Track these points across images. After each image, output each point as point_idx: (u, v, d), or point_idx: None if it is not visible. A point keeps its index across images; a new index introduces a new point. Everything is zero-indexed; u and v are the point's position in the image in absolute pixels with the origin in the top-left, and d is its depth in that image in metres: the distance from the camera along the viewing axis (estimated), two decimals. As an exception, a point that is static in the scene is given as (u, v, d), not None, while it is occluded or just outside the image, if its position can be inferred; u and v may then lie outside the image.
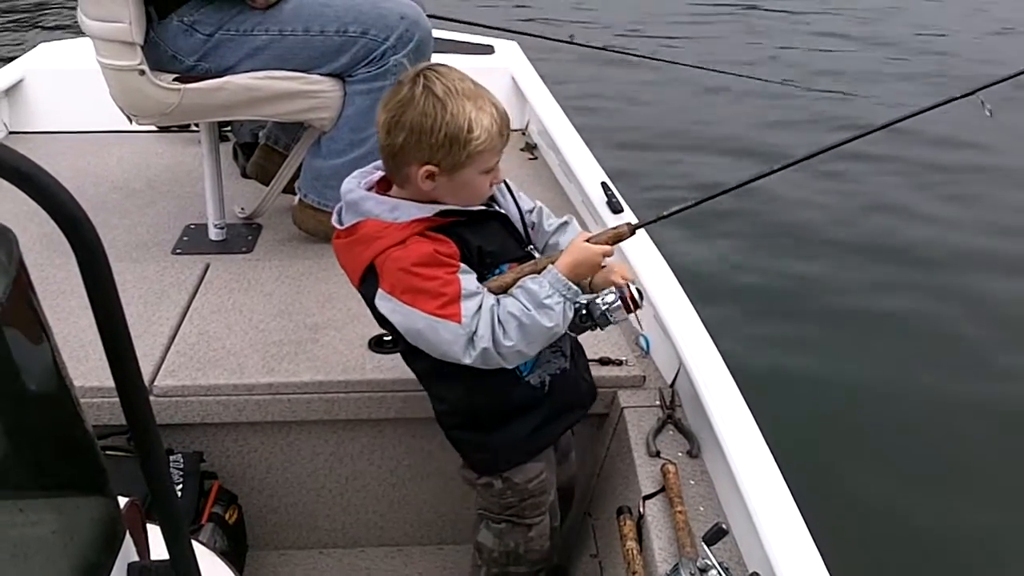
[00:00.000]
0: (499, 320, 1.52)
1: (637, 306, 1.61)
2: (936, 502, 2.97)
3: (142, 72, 2.30)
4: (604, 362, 2.08)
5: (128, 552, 1.01)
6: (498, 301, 1.55)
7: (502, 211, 1.70)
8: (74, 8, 2.36)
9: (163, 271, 2.47)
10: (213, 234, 2.67)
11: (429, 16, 2.52)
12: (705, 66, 5.13)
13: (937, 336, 3.93)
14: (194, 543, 0.99)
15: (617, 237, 1.67)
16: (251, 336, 2.18)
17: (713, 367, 1.95)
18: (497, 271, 1.63)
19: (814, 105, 6.73)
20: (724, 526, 1.50)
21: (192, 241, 2.68)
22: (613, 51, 5.07)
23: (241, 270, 2.50)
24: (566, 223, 1.80)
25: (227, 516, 2.00)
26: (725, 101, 6.98)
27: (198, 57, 2.36)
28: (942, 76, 7.47)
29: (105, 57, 2.32)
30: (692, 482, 1.81)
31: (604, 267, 1.65)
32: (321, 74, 2.43)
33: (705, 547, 1.51)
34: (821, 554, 1.50)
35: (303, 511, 2.23)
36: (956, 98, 1.93)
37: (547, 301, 1.54)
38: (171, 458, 1.97)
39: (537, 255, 1.72)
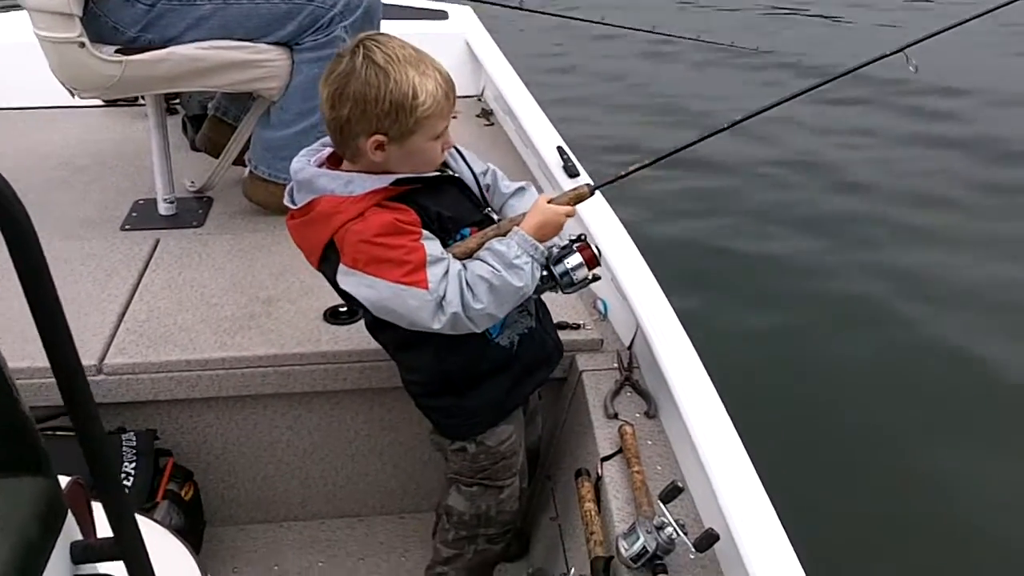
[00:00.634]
0: (467, 283, 1.52)
1: (597, 263, 1.62)
2: (890, 457, 3.01)
3: (82, 44, 2.24)
4: (562, 326, 2.07)
5: (72, 531, 0.99)
6: (464, 266, 1.54)
7: (456, 175, 1.69)
8: (8, -21, 2.30)
9: (112, 248, 2.42)
10: (163, 209, 2.62)
11: (379, -19, 2.48)
12: (656, 30, 5.12)
13: (887, 295, 3.98)
14: (148, 521, 0.97)
15: (578, 197, 1.67)
16: (203, 311, 2.14)
17: (670, 328, 1.96)
18: (459, 236, 1.62)
19: (768, 67, 6.76)
20: (680, 484, 1.52)
21: (141, 217, 2.63)
22: (562, 17, 5.03)
23: (192, 245, 2.46)
24: (523, 188, 1.79)
25: (183, 493, 1.98)
26: (683, 67, 6.97)
27: (140, 28, 2.30)
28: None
29: (42, 30, 2.25)
30: (650, 442, 1.82)
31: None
32: (268, 43, 2.39)
33: (662, 505, 1.52)
34: (776, 510, 1.51)
35: (261, 485, 2.21)
36: (887, 55, 1.95)
37: (516, 261, 1.54)
38: (124, 436, 1.94)
39: (495, 217, 1.72)
